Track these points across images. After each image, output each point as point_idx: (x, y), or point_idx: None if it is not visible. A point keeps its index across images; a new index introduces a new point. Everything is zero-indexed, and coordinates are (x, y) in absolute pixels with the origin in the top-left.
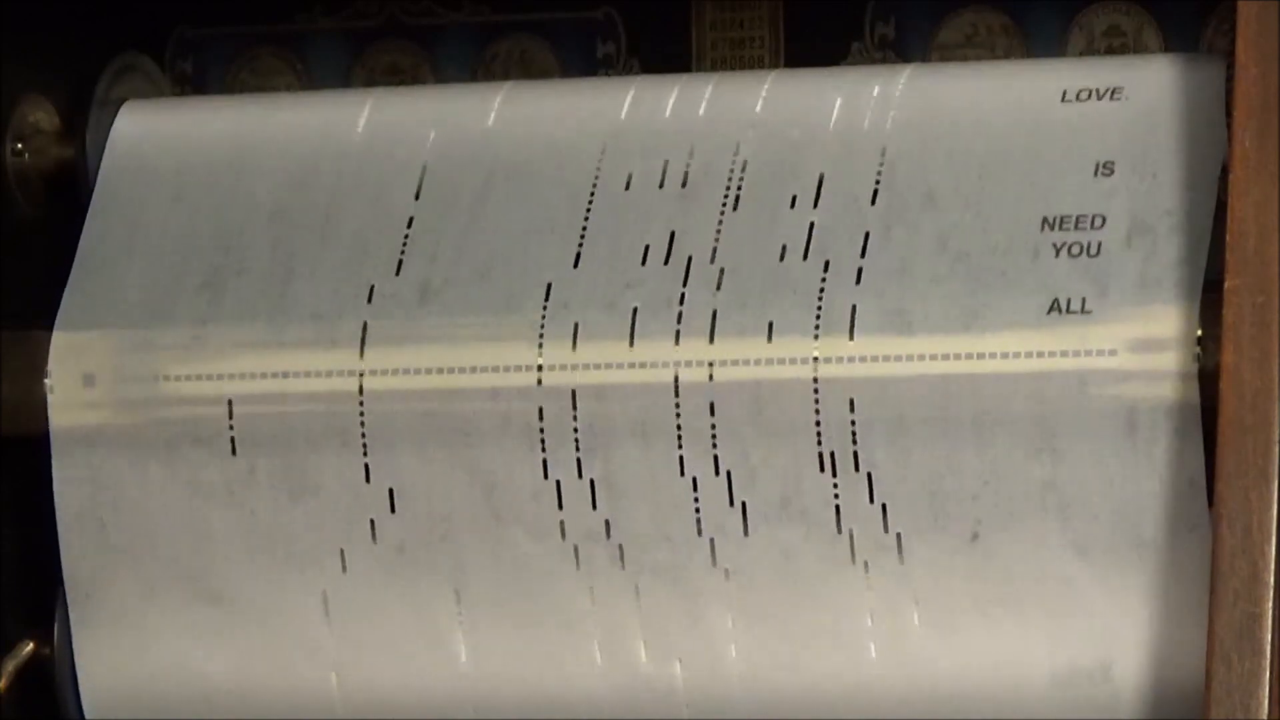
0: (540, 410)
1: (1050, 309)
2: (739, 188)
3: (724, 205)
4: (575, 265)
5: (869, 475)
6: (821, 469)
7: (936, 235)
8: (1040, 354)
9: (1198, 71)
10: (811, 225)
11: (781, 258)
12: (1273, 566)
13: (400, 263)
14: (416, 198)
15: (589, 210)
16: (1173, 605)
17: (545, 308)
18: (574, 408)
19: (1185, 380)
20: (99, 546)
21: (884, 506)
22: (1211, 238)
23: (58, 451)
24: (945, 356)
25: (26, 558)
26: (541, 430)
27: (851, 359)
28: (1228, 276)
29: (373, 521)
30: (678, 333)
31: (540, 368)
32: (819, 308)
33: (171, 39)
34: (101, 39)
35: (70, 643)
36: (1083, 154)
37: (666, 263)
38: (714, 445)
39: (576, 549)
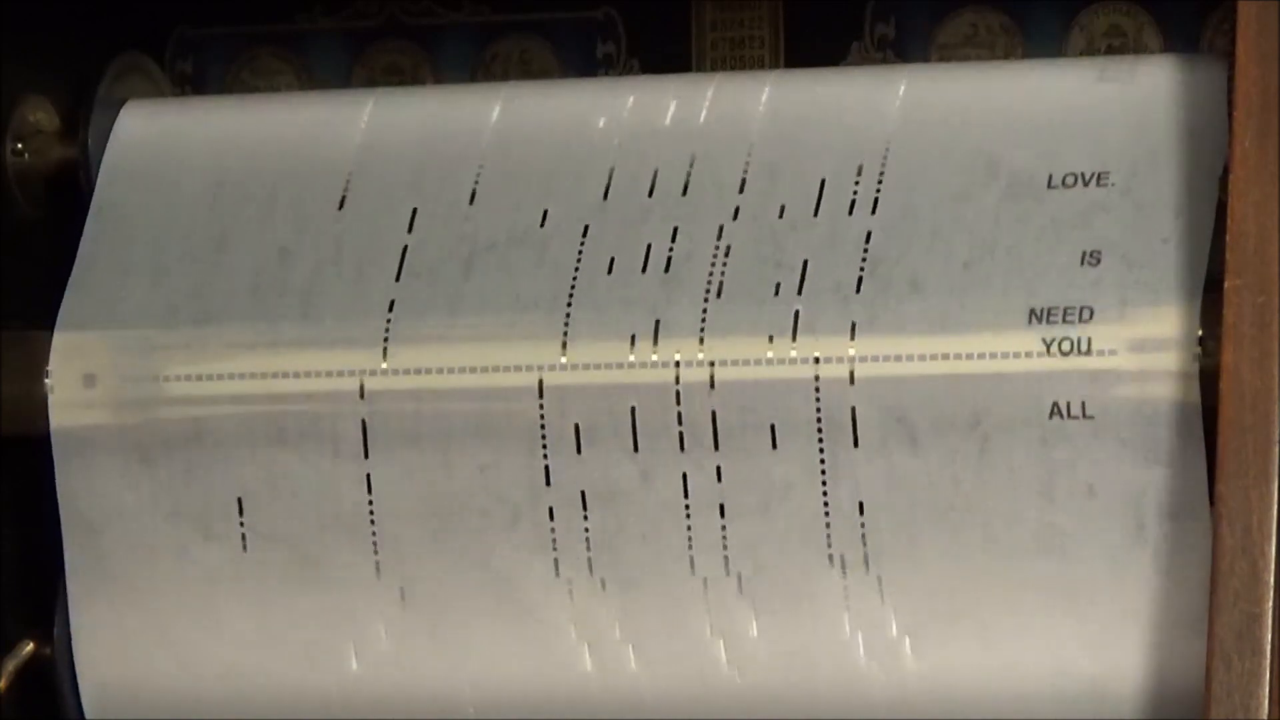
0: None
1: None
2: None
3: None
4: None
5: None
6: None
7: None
8: (1040, 354)
9: (1198, 71)
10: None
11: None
12: (1273, 566)
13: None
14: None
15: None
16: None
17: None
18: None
19: (1185, 380)
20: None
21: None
22: (1211, 238)
23: (58, 451)
24: (945, 357)
25: (26, 558)
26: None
27: (852, 359)
28: (1228, 276)
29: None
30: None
31: (541, 368)
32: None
33: (171, 39)
34: (101, 39)
35: (70, 643)
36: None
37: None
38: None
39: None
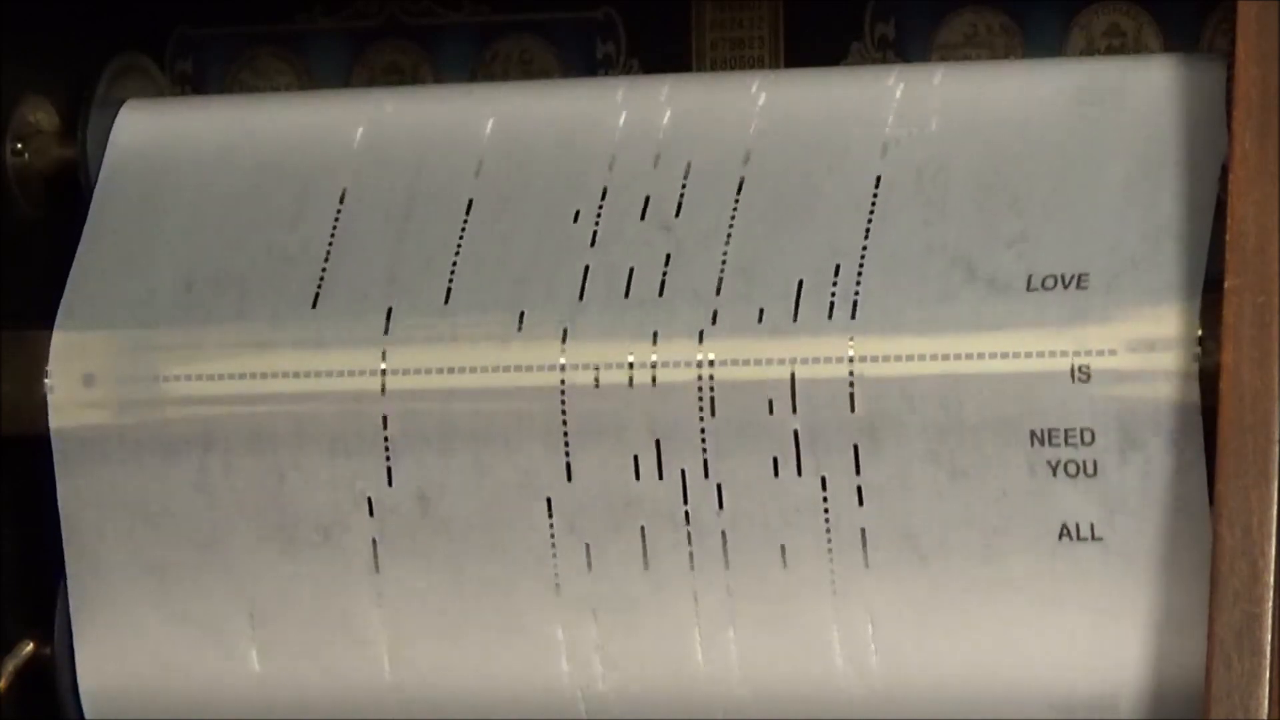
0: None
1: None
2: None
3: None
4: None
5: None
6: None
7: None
8: (1040, 354)
9: (1197, 71)
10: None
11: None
12: (1273, 566)
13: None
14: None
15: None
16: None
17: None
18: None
19: (1185, 380)
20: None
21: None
22: (1211, 238)
23: (58, 451)
24: (944, 357)
25: (26, 558)
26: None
27: (852, 360)
28: (1228, 276)
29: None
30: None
31: (563, 367)
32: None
33: (171, 39)
34: (101, 39)
35: (70, 643)
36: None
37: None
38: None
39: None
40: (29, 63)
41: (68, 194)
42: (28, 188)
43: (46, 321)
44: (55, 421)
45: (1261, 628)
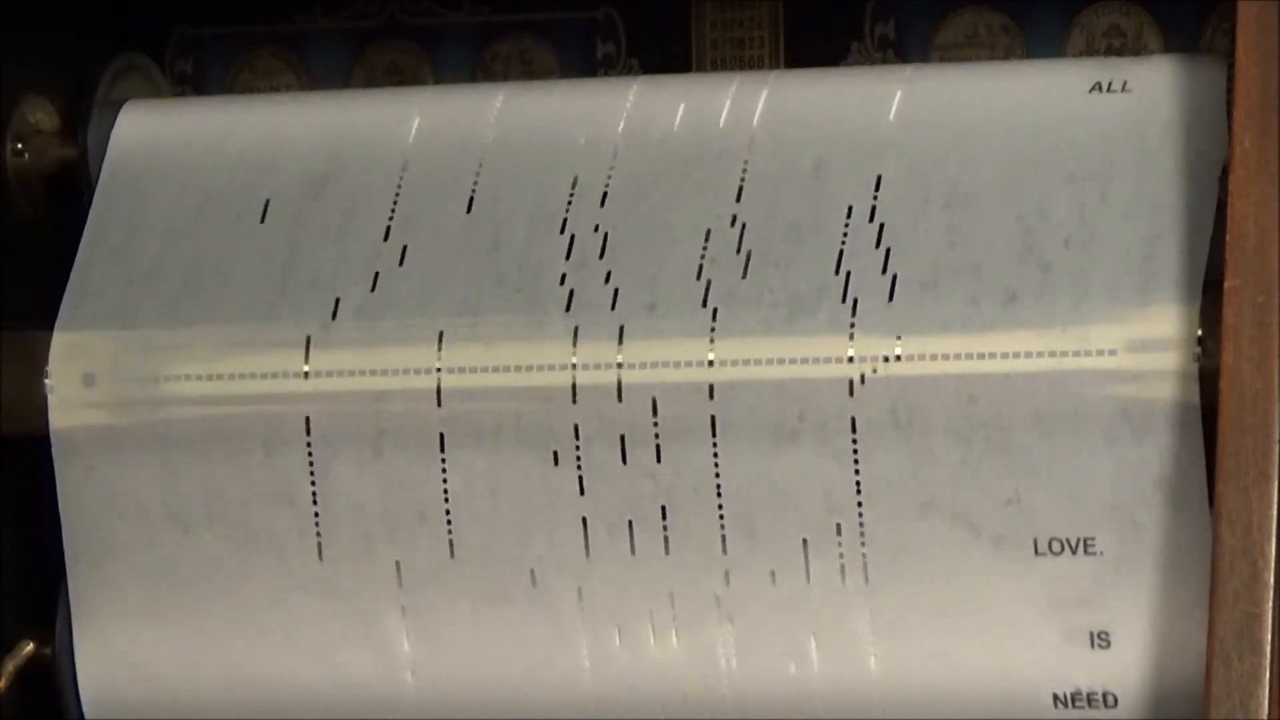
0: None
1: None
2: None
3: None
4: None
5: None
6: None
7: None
8: (1040, 354)
9: (1198, 71)
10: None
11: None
12: (1273, 566)
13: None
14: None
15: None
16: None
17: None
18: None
19: (1185, 380)
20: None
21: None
22: (1211, 238)
23: (58, 451)
24: (944, 357)
25: (26, 558)
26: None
27: (853, 359)
28: (1228, 276)
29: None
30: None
31: (574, 366)
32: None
33: (171, 39)
34: (101, 39)
35: (70, 643)
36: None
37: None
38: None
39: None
40: (29, 63)
41: (68, 194)
42: (28, 188)
43: (46, 321)
44: (55, 421)
45: (1261, 628)
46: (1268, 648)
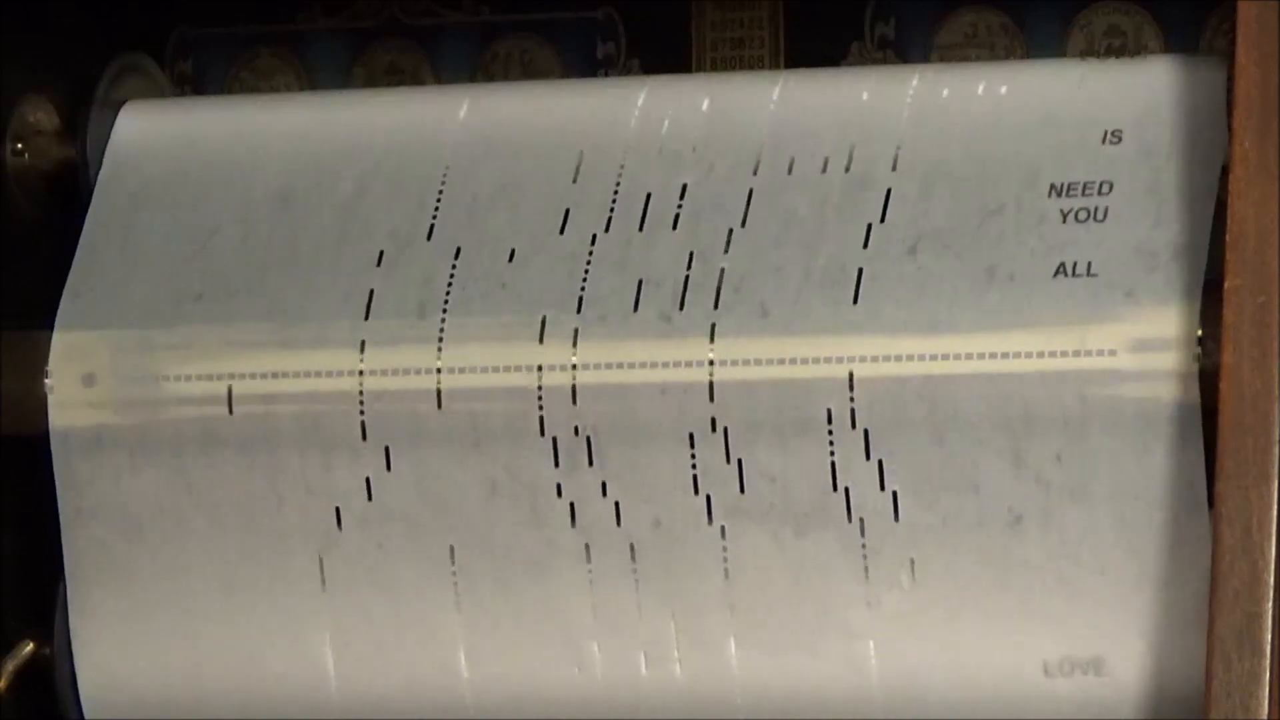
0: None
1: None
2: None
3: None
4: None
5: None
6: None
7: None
8: (1040, 354)
9: (1198, 71)
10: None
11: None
12: (1273, 566)
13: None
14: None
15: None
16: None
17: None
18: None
19: (1185, 380)
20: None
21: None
22: (1211, 238)
23: (58, 451)
24: (944, 357)
25: (26, 558)
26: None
27: (853, 359)
28: (1228, 276)
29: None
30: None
31: (559, 368)
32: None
33: (171, 39)
34: (101, 39)
35: (70, 643)
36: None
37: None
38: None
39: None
40: (29, 63)
41: (68, 194)
42: (28, 188)
43: (46, 321)
44: (55, 421)
45: (1261, 628)
46: (1268, 648)
